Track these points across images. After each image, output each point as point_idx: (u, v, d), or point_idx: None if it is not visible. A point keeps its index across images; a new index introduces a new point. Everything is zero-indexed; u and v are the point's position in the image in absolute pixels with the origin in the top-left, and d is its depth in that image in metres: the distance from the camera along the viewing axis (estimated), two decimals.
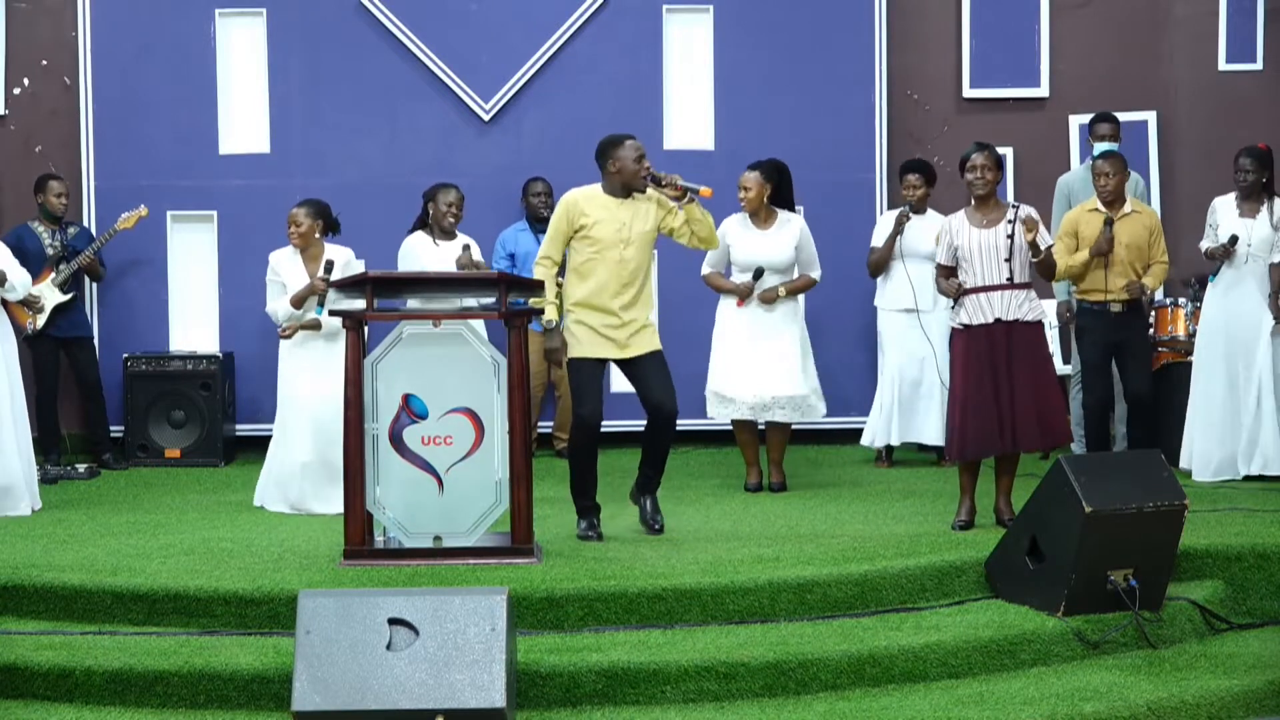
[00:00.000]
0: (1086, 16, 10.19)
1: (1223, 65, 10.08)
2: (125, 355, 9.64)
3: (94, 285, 9.73)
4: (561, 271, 7.09)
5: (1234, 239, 8.18)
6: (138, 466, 9.46)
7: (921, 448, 9.28)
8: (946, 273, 7.11)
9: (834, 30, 9.93)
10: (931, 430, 8.79)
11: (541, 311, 8.46)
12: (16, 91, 10.00)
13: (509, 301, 6.67)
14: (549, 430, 9.79)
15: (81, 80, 9.82)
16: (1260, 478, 8.19)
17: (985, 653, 5.81)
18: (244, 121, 9.93)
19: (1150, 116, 10.08)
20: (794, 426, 9.23)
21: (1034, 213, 6.98)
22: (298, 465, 7.84)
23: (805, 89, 9.92)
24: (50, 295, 9.12)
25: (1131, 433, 8.44)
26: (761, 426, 8.48)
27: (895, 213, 8.91)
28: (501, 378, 6.49)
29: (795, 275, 8.34)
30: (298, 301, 7.88)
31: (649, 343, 6.96)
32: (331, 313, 6.87)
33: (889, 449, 9.16)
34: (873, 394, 9.20)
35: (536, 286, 7.09)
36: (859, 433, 9.41)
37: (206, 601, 6.05)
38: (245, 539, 7.12)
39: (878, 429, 9.04)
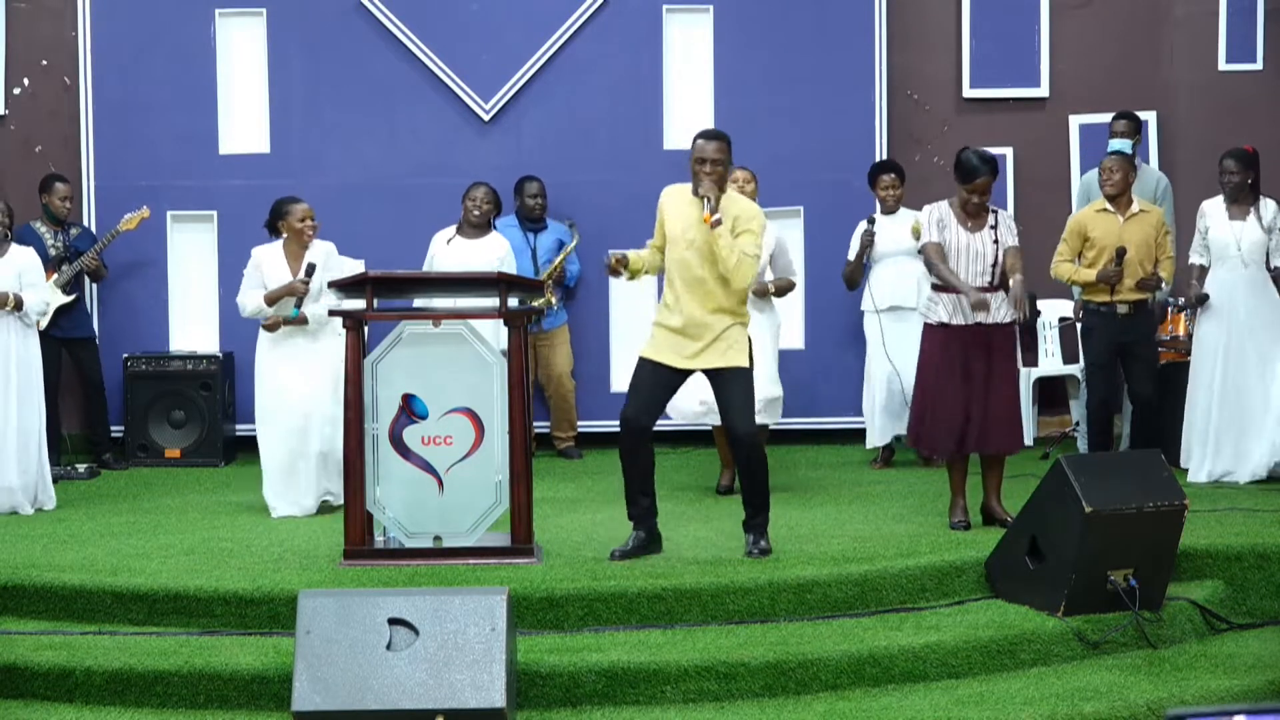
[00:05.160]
0: (1086, 16, 10.18)
1: (1223, 65, 10.08)
2: (125, 355, 9.64)
3: (94, 286, 9.72)
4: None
5: (1205, 297, 8.21)
6: (138, 466, 9.45)
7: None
8: (937, 248, 6.99)
9: (834, 30, 9.92)
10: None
11: (543, 312, 8.48)
12: (16, 91, 10.00)
13: (508, 301, 6.66)
14: (545, 430, 9.79)
15: (81, 80, 9.81)
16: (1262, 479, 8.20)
17: (985, 653, 5.81)
18: (244, 121, 9.93)
19: (1150, 116, 10.07)
20: (792, 427, 9.26)
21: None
22: (278, 468, 7.83)
23: (805, 89, 9.92)
24: (53, 296, 9.12)
25: (1135, 433, 8.44)
26: None
27: (864, 224, 8.95)
28: (501, 378, 6.49)
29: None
30: (272, 299, 7.78)
31: (725, 356, 6.47)
32: (332, 312, 6.86)
33: (889, 451, 9.14)
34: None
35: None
36: (859, 433, 9.41)
37: (206, 601, 6.05)
38: (245, 539, 7.12)
39: (875, 429, 9.04)
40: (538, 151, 9.87)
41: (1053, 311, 9.51)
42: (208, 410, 9.54)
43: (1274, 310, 8.23)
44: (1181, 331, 8.87)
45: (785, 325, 9.50)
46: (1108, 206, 8.21)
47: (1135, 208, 8.21)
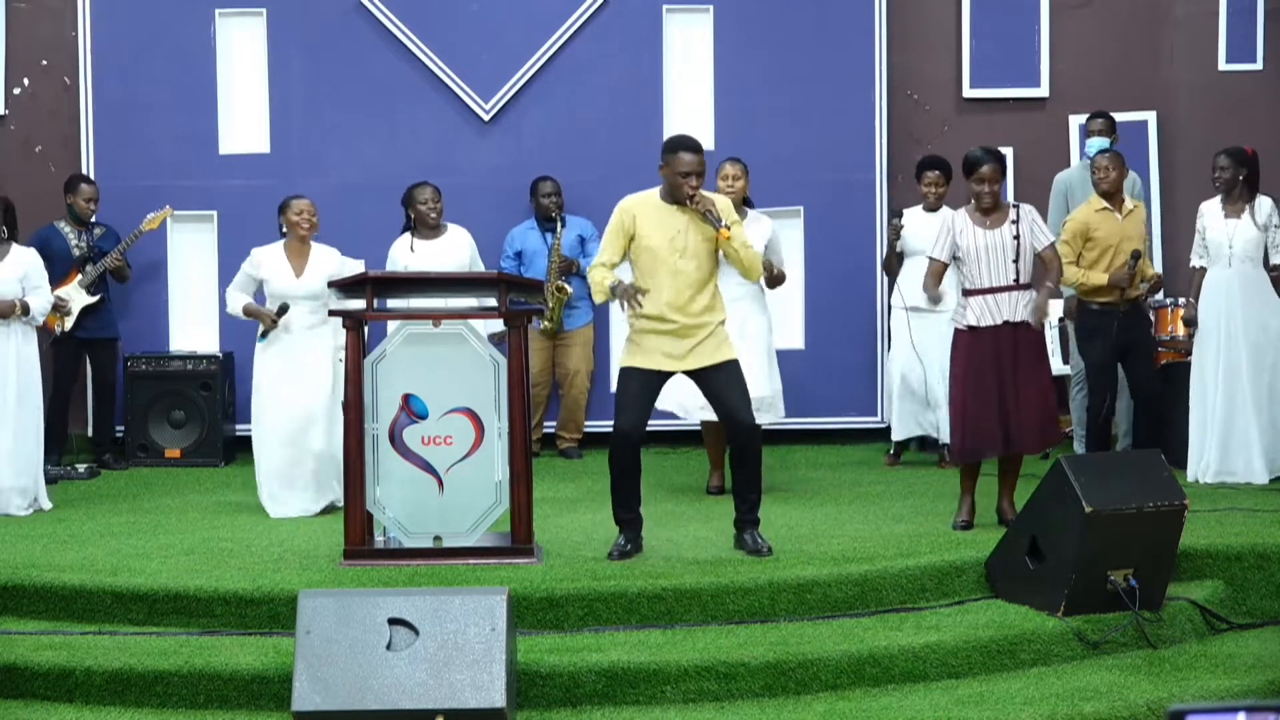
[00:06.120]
0: (1086, 16, 10.19)
1: (1223, 65, 10.08)
2: (125, 355, 9.64)
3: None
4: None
5: (1193, 320, 8.26)
6: (138, 466, 9.45)
7: (922, 445, 9.28)
8: (939, 270, 7.08)
9: (834, 30, 9.92)
10: (944, 426, 8.74)
11: (542, 312, 8.42)
12: (16, 91, 10.00)
13: (509, 301, 6.66)
14: (551, 430, 9.79)
15: (81, 80, 9.81)
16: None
17: (985, 653, 5.81)
18: (244, 121, 9.93)
19: (1150, 116, 10.08)
20: (792, 427, 9.24)
21: (1049, 310, 7.00)
22: (266, 466, 7.85)
23: (805, 89, 9.91)
24: (77, 297, 9.14)
25: (1137, 431, 8.44)
26: None
27: (898, 219, 8.92)
28: (501, 378, 6.49)
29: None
30: (249, 313, 7.91)
31: (716, 352, 6.51)
32: (332, 312, 6.87)
33: (900, 449, 9.12)
34: (874, 394, 9.20)
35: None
36: (859, 433, 9.41)
37: (206, 601, 6.05)
38: (245, 539, 7.12)
39: (894, 423, 9.02)
40: (538, 151, 9.86)
41: (1052, 312, 9.49)
42: (208, 410, 9.54)
43: (1269, 308, 8.23)
44: (1181, 331, 8.87)
45: (786, 325, 9.51)
46: (1106, 205, 8.21)
47: (1129, 203, 8.23)
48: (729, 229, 6.44)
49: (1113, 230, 8.12)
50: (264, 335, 7.88)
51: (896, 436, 9.05)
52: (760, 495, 6.66)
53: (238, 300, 7.97)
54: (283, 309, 7.81)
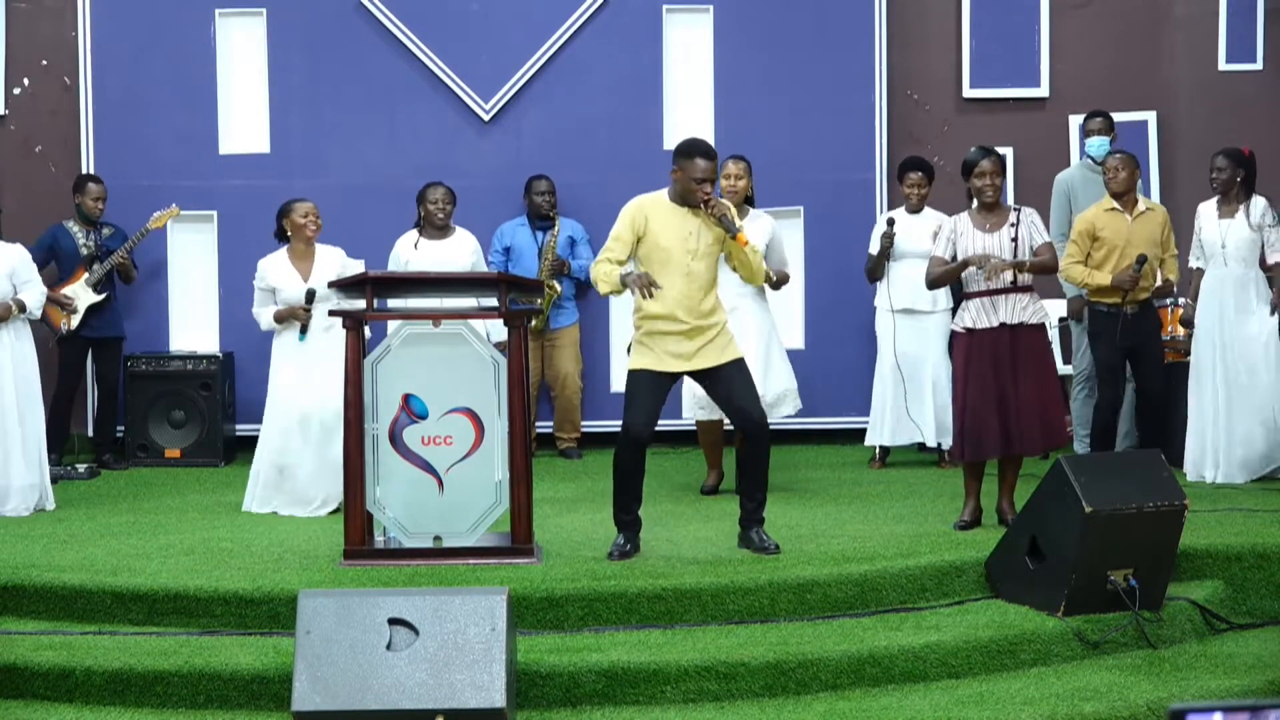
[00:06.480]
0: (1086, 16, 10.19)
1: (1223, 65, 10.08)
2: (125, 355, 9.64)
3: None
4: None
5: (1190, 321, 8.34)
6: (138, 466, 9.45)
7: (922, 448, 9.28)
8: (941, 261, 7.07)
9: (834, 30, 9.93)
10: (929, 430, 8.78)
11: (539, 311, 8.42)
12: (16, 91, 10.00)
13: (508, 301, 6.66)
14: (549, 430, 9.79)
15: (81, 80, 9.81)
16: (1260, 478, 8.19)
17: (985, 653, 5.81)
18: (244, 121, 9.93)
19: (1150, 116, 10.08)
20: (792, 427, 9.22)
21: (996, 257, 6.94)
22: (270, 465, 7.85)
23: (805, 89, 9.92)
24: (84, 295, 9.15)
25: (1143, 429, 8.44)
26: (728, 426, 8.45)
27: (884, 221, 8.89)
28: (502, 378, 6.49)
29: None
30: (281, 318, 7.87)
31: (724, 352, 6.52)
32: (331, 313, 6.87)
33: (884, 450, 9.14)
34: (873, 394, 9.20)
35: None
36: (859, 433, 9.41)
37: (206, 601, 6.05)
38: (245, 539, 7.12)
39: (873, 429, 9.05)
40: (538, 151, 9.86)
41: (1051, 311, 9.49)
42: (208, 410, 9.54)
43: (1260, 307, 8.22)
44: (1181, 331, 8.88)
45: (785, 325, 9.51)
46: (1115, 205, 8.18)
47: (1141, 206, 8.21)
48: (744, 233, 6.46)
49: (1120, 231, 8.09)
50: (304, 332, 7.80)
51: (875, 442, 9.04)
52: (764, 505, 6.67)
53: (266, 315, 7.92)
54: (310, 295, 7.76)
